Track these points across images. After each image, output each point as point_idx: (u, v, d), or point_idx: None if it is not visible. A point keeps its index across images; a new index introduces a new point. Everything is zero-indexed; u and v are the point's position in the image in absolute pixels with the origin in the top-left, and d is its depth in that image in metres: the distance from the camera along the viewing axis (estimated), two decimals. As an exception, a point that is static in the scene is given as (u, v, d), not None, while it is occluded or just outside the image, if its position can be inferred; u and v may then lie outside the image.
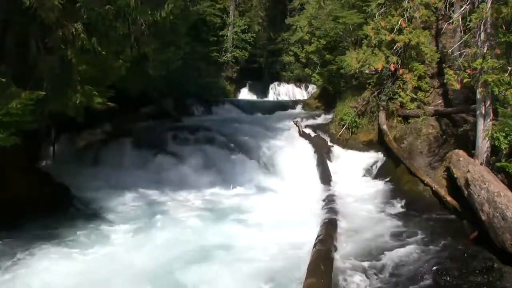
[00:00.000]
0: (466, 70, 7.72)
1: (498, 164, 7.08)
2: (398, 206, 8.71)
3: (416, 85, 11.78)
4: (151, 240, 6.87)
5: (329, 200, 8.77)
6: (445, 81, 10.75)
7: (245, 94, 24.74)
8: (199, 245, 6.62)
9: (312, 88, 23.09)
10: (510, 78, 7.02)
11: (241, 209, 8.54)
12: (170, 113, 15.32)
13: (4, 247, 6.28)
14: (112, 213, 8.10)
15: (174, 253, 6.31)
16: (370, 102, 12.60)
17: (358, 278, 5.75)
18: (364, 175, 10.95)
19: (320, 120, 15.60)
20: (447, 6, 10.45)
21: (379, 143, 11.84)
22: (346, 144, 12.66)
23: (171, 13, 7.77)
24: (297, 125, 13.65)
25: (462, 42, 8.61)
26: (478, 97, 7.74)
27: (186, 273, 5.72)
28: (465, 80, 7.76)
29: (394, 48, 11.64)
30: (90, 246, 6.57)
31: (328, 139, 12.98)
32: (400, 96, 11.86)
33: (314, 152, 11.82)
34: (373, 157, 11.51)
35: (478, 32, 7.58)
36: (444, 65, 11.61)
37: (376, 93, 12.50)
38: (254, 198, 9.29)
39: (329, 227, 6.99)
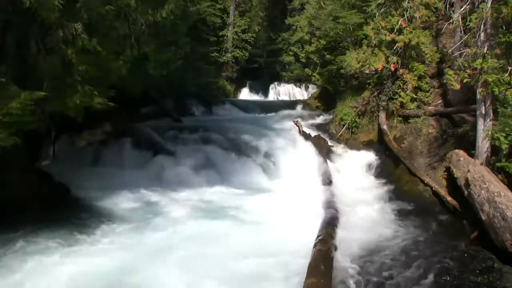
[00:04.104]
0: (466, 70, 7.72)
1: (498, 164, 7.08)
2: (398, 206, 8.70)
3: (416, 85, 11.80)
4: (149, 240, 6.87)
5: (329, 200, 8.75)
6: (445, 81, 10.78)
7: (245, 94, 24.76)
8: (196, 245, 6.61)
9: (312, 88, 23.11)
10: (510, 78, 7.02)
11: (240, 209, 8.53)
12: (170, 113, 15.31)
13: (2, 246, 6.28)
14: (111, 213, 8.09)
15: (171, 253, 6.30)
16: (370, 102, 12.60)
17: (358, 277, 5.75)
18: (364, 175, 10.94)
19: (320, 120, 15.61)
20: (447, 6, 10.46)
21: (379, 143, 11.84)
22: (346, 144, 12.67)
23: (171, 13, 7.77)
24: (297, 125, 13.65)
25: (462, 42, 8.62)
26: (478, 97, 7.74)
27: (181, 272, 5.72)
28: (465, 80, 7.76)
29: (394, 48, 11.66)
30: (87, 246, 6.57)
31: (328, 139, 12.98)
32: (400, 96, 11.87)
33: (314, 152, 11.82)
34: (373, 157, 11.51)
35: (478, 32, 7.58)
36: (444, 65, 11.62)
37: (376, 93, 12.51)
38: (253, 198, 9.27)
39: (329, 227, 6.99)
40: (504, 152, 7.08)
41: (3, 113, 5.60)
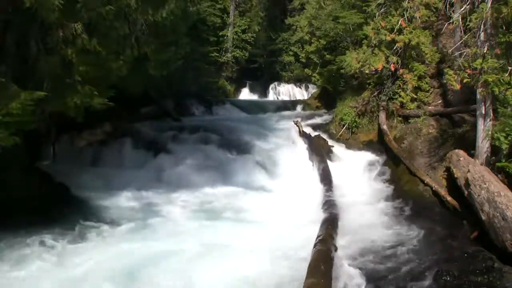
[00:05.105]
0: (466, 70, 7.71)
1: (498, 164, 7.07)
2: (398, 206, 8.69)
3: (416, 85, 11.80)
4: (148, 240, 6.85)
5: (329, 200, 8.75)
6: (445, 81, 10.78)
7: (245, 94, 24.79)
8: (196, 246, 6.59)
9: (312, 88, 23.12)
10: (510, 78, 7.01)
11: (240, 209, 8.54)
12: (170, 113, 15.32)
13: (2, 246, 6.29)
14: (111, 213, 8.10)
15: (170, 254, 6.29)
16: (370, 102, 12.60)
17: (357, 277, 5.75)
18: (364, 175, 10.93)
19: (320, 120, 15.60)
20: (447, 6, 10.45)
21: (379, 143, 11.84)
22: (346, 144, 12.67)
23: (171, 13, 7.77)
24: (297, 125, 13.65)
25: (462, 42, 8.61)
26: (478, 97, 7.74)
27: (181, 273, 5.70)
28: (465, 80, 7.75)
29: (394, 48, 11.66)
30: (87, 246, 6.56)
31: (328, 139, 12.98)
32: (400, 96, 11.87)
33: (314, 152, 11.82)
34: (373, 157, 11.50)
35: (478, 32, 7.57)
36: (444, 65, 11.63)
37: (376, 93, 12.51)
38: (253, 198, 9.28)
39: (329, 227, 6.98)
40: (504, 152, 7.07)
41: (3, 113, 5.60)
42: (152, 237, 6.97)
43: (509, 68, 7.05)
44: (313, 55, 19.52)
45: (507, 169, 6.81)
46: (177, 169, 10.41)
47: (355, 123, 12.78)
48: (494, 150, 7.51)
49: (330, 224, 7.15)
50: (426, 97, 11.76)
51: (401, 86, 11.94)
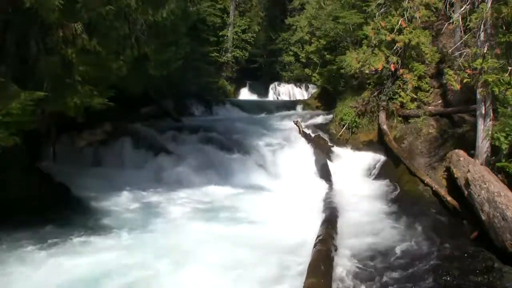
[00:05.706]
0: (466, 70, 7.72)
1: (498, 164, 7.08)
2: (398, 206, 8.70)
3: (416, 85, 11.81)
4: (148, 240, 6.83)
5: (329, 200, 8.76)
6: (445, 81, 10.79)
7: (245, 94, 24.79)
8: (196, 246, 6.57)
9: (312, 88, 23.12)
10: (510, 78, 7.02)
11: (240, 209, 8.51)
12: (170, 113, 15.32)
13: (1, 246, 6.28)
14: (110, 213, 8.07)
15: (170, 254, 6.26)
16: (370, 102, 12.60)
17: (357, 277, 5.75)
18: (364, 175, 10.95)
19: (320, 120, 15.59)
20: (447, 6, 10.46)
21: (379, 143, 11.84)
22: (346, 144, 12.67)
23: (171, 13, 7.78)
24: (297, 125, 13.66)
25: (462, 42, 8.62)
26: (478, 97, 7.74)
27: (176, 275, 5.68)
28: (465, 80, 7.76)
29: (394, 48, 11.66)
30: (86, 246, 6.52)
31: (328, 139, 12.99)
32: (400, 96, 11.88)
33: (314, 152, 11.82)
34: (373, 157, 11.51)
35: (478, 32, 7.58)
36: (444, 65, 11.63)
37: (376, 93, 12.51)
38: (253, 199, 9.27)
39: (329, 227, 6.98)
40: (504, 152, 7.08)
41: (3, 113, 5.60)
42: (151, 237, 6.93)
43: (509, 68, 7.06)
44: (313, 55, 19.52)
45: (507, 169, 6.82)
46: (177, 169, 10.40)
47: (355, 123, 12.78)
48: (494, 150, 7.52)
49: (330, 224, 7.15)
50: (426, 97, 11.77)
51: (401, 86, 11.94)
